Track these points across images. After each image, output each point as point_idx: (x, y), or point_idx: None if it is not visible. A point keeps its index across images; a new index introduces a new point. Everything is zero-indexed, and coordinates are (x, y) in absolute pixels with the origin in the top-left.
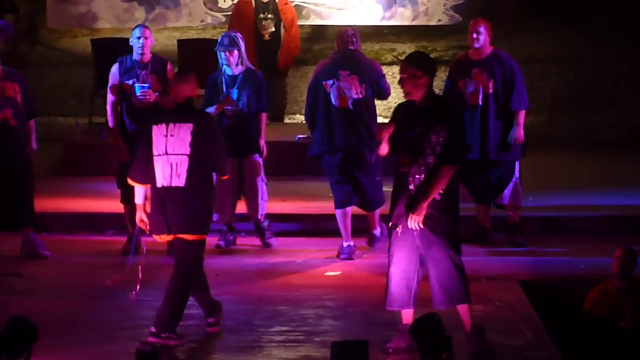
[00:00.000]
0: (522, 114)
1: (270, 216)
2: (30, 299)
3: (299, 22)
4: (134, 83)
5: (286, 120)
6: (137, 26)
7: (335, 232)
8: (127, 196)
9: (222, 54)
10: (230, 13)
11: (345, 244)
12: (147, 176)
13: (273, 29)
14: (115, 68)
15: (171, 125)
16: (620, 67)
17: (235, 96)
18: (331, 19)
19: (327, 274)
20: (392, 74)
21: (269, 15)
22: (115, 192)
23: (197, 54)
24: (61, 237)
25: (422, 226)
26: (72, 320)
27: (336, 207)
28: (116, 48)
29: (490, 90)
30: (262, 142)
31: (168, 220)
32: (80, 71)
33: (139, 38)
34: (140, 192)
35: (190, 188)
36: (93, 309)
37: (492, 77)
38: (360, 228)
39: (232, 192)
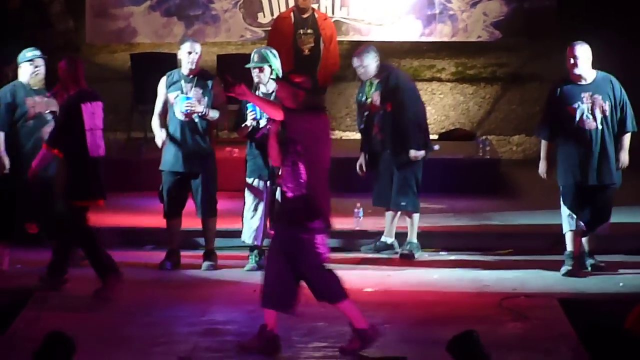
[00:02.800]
0: (628, 136)
1: None
2: (66, 313)
3: (338, 38)
4: (178, 95)
5: None
6: (186, 40)
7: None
8: (170, 211)
9: (253, 71)
10: (269, 28)
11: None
12: None
13: (312, 44)
14: (163, 81)
15: None
16: None
17: (258, 116)
18: (370, 35)
19: (365, 290)
20: (430, 91)
21: (309, 31)
22: (153, 207)
23: (236, 70)
24: None
25: None
26: (108, 336)
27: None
28: (155, 63)
29: (607, 113)
30: None
31: None
32: (118, 86)
33: (189, 53)
34: None
35: None
36: (129, 324)
37: (606, 100)
38: None
39: (265, 213)
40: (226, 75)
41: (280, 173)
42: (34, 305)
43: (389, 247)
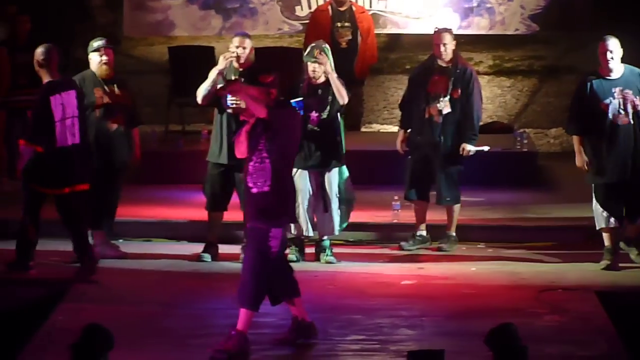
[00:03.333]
0: None
1: (347, 225)
2: (104, 306)
3: (376, 31)
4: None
5: (363, 129)
6: (236, 34)
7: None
8: (212, 204)
9: (310, 65)
10: (307, 21)
11: None
12: None
13: (350, 37)
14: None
15: None
16: None
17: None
18: (408, 28)
19: (402, 282)
20: None
21: (346, 24)
22: (191, 200)
23: (273, 62)
24: (137, 244)
25: None
26: (146, 328)
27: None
28: (192, 56)
29: (638, 108)
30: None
31: None
32: (156, 79)
33: (237, 47)
34: None
35: None
36: (167, 316)
37: (637, 94)
38: None
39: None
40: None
41: (248, 168)
42: (73, 297)
43: (426, 240)
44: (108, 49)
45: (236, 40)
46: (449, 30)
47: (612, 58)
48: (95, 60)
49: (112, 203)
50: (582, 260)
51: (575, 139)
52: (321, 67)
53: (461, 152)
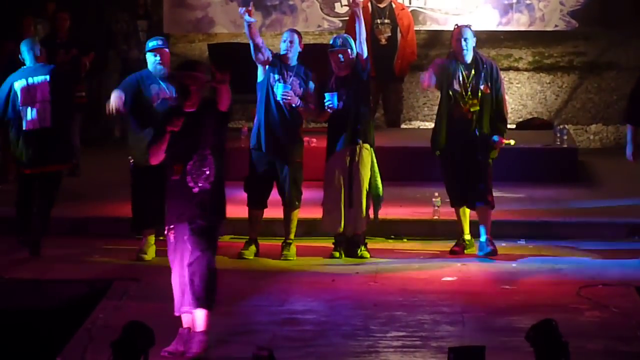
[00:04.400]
0: None
1: (386, 221)
2: (145, 303)
3: (416, 28)
4: (277, 80)
5: (403, 126)
6: (287, 30)
7: (450, 236)
8: (254, 200)
9: (335, 55)
10: (347, 18)
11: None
12: None
13: (390, 34)
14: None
15: None
16: None
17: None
18: (447, 25)
19: (443, 279)
20: (508, 80)
21: (386, 20)
22: (233, 196)
23: (314, 59)
24: None
25: None
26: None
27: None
28: (232, 53)
29: None
30: None
31: None
32: None
33: (284, 41)
34: None
35: None
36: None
37: None
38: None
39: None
40: (212, 67)
41: (185, 168)
42: (114, 295)
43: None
44: (163, 49)
45: (284, 36)
46: (469, 26)
47: None
48: (150, 60)
49: None
50: (622, 256)
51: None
52: (346, 56)
53: (498, 145)
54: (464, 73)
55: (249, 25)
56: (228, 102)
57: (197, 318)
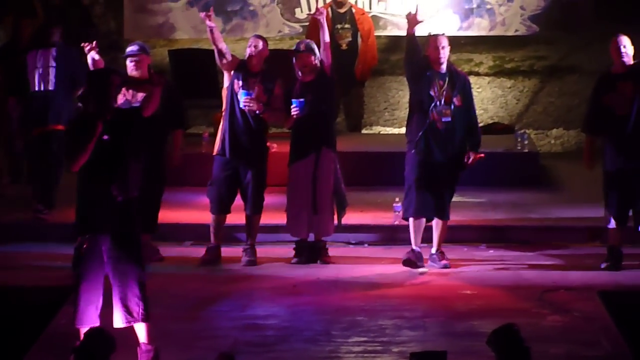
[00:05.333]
0: None
1: (348, 227)
2: (107, 309)
3: (376, 33)
4: (239, 87)
5: (363, 131)
6: (252, 36)
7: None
8: (217, 206)
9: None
10: (307, 23)
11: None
12: None
13: (350, 39)
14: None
15: None
16: None
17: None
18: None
19: (404, 284)
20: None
21: (346, 25)
22: (194, 202)
23: (275, 64)
24: None
25: None
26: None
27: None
28: (193, 59)
29: None
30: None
31: None
32: None
33: (249, 47)
34: None
35: None
36: (171, 319)
37: None
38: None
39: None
40: (152, 71)
41: (111, 177)
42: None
43: None
44: (139, 55)
45: (249, 41)
46: (444, 34)
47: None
48: (127, 67)
49: (154, 207)
50: (584, 261)
51: None
52: (309, 60)
53: (472, 162)
54: (438, 82)
55: (211, 30)
56: (153, 109)
57: (139, 331)
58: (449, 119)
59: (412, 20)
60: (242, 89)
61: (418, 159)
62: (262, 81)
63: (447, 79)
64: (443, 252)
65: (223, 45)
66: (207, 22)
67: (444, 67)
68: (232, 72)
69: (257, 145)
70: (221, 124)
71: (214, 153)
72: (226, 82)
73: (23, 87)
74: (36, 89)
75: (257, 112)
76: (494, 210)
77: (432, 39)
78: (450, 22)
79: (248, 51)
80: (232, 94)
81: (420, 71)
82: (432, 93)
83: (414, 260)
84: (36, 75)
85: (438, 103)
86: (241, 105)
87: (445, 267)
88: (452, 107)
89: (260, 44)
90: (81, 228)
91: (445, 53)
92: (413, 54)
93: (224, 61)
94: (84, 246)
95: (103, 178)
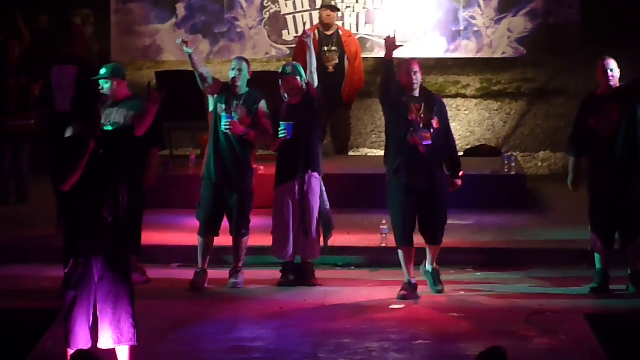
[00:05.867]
0: None
1: (334, 249)
2: (93, 332)
3: (363, 55)
4: (222, 111)
5: (350, 153)
6: (235, 58)
7: (398, 265)
8: (205, 228)
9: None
10: (294, 46)
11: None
12: None
13: (337, 61)
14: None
15: None
16: None
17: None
18: (395, 52)
19: (391, 306)
20: (456, 107)
21: (333, 48)
22: (181, 224)
23: (262, 86)
24: None
25: None
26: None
27: None
28: (180, 81)
29: None
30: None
31: None
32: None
33: (232, 69)
34: None
35: None
36: (157, 341)
37: None
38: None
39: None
40: (149, 86)
41: (102, 196)
42: (62, 323)
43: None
44: (112, 79)
45: (233, 63)
46: (415, 59)
47: (612, 76)
48: (105, 87)
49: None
50: (571, 284)
51: None
52: (295, 82)
53: (458, 184)
54: (415, 106)
55: (190, 56)
56: (146, 128)
57: (121, 354)
58: (430, 142)
59: (391, 44)
60: (224, 112)
61: (400, 186)
62: (245, 102)
63: (422, 103)
64: (439, 273)
65: (204, 70)
66: (185, 49)
67: (417, 92)
68: (216, 96)
69: (242, 168)
70: (207, 147)
71: (201, 176)
72: (211, 106)
73: None
74: None
75: (240, 133)
76: (481, 232)
77: (405, 65)
78: (438, 45)
79: (231, 74)
80: (216, 118)
81: (396, 98)
82: (410, 118)
83: (409, 298)
84: None
85: (417, 127)
86: (222, 129)
87: (439, 292)
88: (432, 130)
89: (244, 65)
90: (74, 250)
91: (417, 78)
92: (390, 80)
93: (206, 85)
94: (79, 269)
95: (94, 198)
